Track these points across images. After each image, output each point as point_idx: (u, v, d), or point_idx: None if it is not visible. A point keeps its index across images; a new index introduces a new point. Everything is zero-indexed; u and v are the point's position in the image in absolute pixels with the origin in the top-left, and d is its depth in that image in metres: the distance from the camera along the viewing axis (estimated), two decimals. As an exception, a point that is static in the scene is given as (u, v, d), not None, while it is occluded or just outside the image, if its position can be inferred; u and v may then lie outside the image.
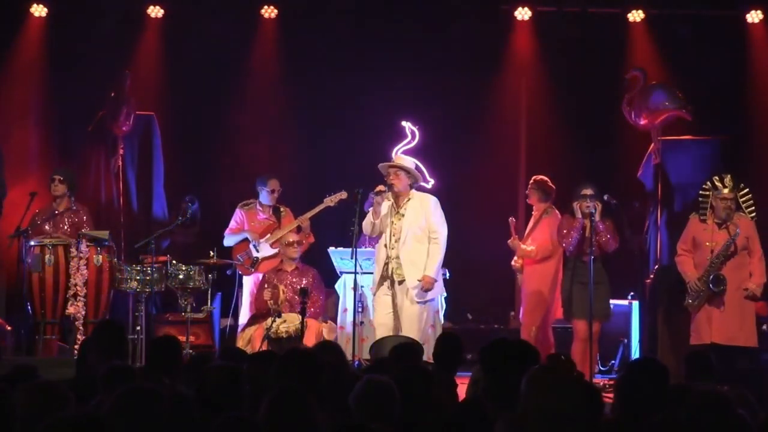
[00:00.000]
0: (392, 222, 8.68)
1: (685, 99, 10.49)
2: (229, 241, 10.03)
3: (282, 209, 10.15)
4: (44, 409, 3.71)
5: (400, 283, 8.65)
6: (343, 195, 9.78)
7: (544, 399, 3.47)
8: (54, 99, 11.02)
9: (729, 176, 8.81)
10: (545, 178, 9.55)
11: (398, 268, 8.63)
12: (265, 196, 10.05)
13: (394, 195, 8.72)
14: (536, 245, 9.39)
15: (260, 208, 10.06)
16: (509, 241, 9.48)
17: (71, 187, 9.74)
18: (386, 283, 8.66)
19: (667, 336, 9.59)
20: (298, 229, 9.94)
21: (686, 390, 4.38)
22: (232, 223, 10.08)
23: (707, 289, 8.61)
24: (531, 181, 9.64)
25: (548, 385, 3.51)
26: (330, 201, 9.84)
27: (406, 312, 8.60)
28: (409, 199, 8.75)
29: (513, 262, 9.63)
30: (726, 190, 8.70)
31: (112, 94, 10.62)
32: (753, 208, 8.88)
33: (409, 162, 9.02)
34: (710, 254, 8.66)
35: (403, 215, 8.69)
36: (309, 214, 9.88)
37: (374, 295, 8.74)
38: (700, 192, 8.94)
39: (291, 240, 9.71)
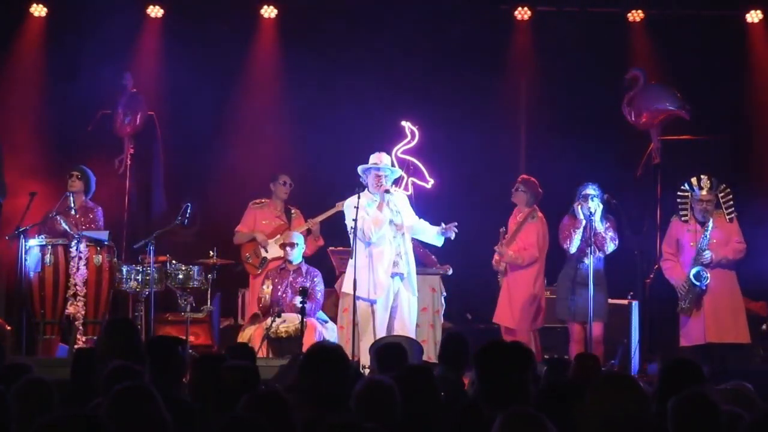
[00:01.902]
0: (392, 220, 8.70)
1: (684, 99, 10.49)
2: (239, 238, 10.08)
3: (293, 211, 10.20)
4: (31, 407, 3.70)
5: (405, 277, 8.69)
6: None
7: (612, 407, 3.46)
8: (53, 99, 11.01)
9: (706, 177, 8.82)
10: (535, 180, 9.53)
11: (406, 264, 8.69)
12: (280, 189, 10.07)
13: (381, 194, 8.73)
14: (524, 253, 9.35)
15: (275, 206, 10.08)
16: (497, 246, 9.46)
17: (87, 185, 9.74)
18: (393, 281, 8.65)
19: (666, 336, 9.58)
20: (308, 232, 9.95)
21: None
22: (243, 222, 10.15)
23: (692, 287, 8.64)
24: (520, 180, 9.59)
25: (618, 393, 3.50)
26: (341, 205, 9.83)
27: (412, 303, 8.74)
28: (392, 195, 8.79)
29: (495, 263, 9.58)
30: (704, 192, 8.71)
31: (126, 95, 10.68)
32: (733, 207, 8.86)
33: (387, 159, 9.01)
34: (696, 253, 8.70)
35: (398, 212, 8.74)
36: (320, 218, 9.91)
37: (379, 296, 8.65)
38: (678, 193, 8.95)
39: (286, 241, 9.66)
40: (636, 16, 11.33)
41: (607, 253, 8.93)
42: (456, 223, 8.77)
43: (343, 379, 4.11)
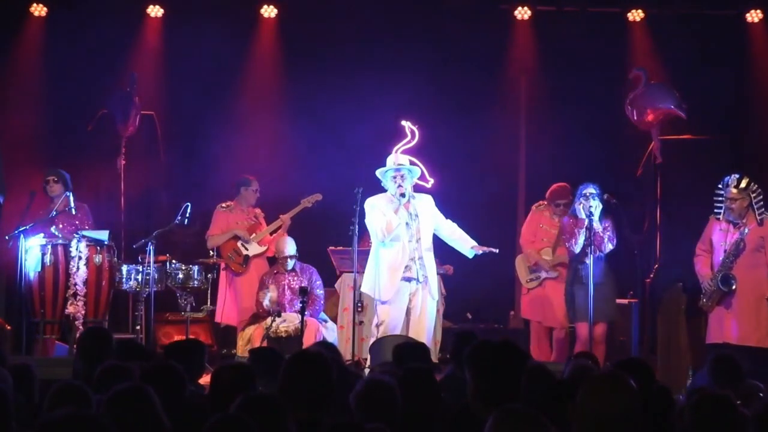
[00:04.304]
0: (408, 223, 8.62)
1: (680, 98, 10.49)
2: (215, 241, 10.00)
3: (257, 213, 10.24)
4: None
5: (420, 281, 8.59)
6: (318, 197, 9.99)
7: (603, 405, 3.45)
8: (53, 98, 11.01)
9: (736, 175, 8.66)
10: None
11: (421, 269, 8.58)
12: (251, 195, 10.09)
13: (399, 196, 8.61)
14: None
15: (242, 209, 10.09)
16: (559, 253, 9.41)
17: (66, 186, 9.67)
18: (408, 285, 8.59)
19: (666, 336, 9.56)
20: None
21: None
22: (216, 225, 10.09)
23: (718, 288, 8.52)
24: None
25: (610, 391, 3.50)
26: (307, 202, 10.04)
27: (429, 309, 8.62)
28: (413, 199, 8.69)
29: (545, 263, 9.55)
30: (733, 190, 8.56)
31: (119, 95, 10.64)
32: (764, 209, 8.66)
33: (404, 159, 8.94)
34: (723, 254, 8.60)
35: (417, 216, 8.62)
36: (290, 214, 9.95)
37: (388, 298, 8.58)
38: (715, 191, 8.82)
39: (286, 255, 9.64)
40: (636, 15, 11.34)
41: (605, 252, 8.90)
42: (497, 251, 8.81)
43: (324, 383, 4.10)
